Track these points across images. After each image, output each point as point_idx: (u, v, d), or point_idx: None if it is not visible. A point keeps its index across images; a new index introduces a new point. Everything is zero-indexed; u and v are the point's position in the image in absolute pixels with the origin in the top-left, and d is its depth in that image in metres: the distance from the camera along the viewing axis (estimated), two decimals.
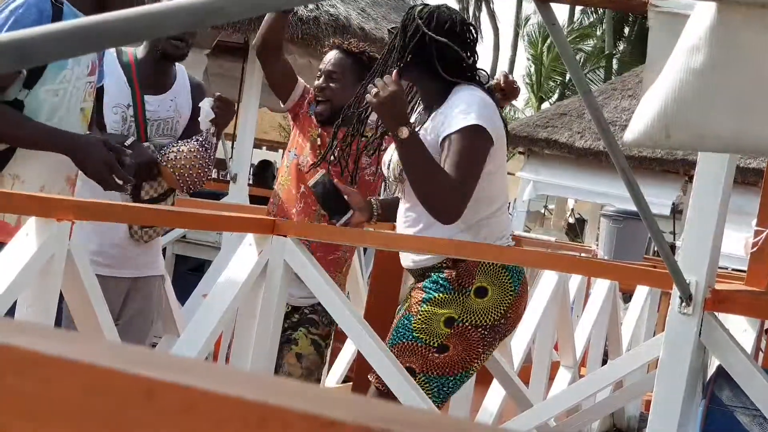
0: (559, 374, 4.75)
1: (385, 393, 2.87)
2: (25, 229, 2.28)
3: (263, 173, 10.18)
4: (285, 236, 3.01)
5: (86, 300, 2.45)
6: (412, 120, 2.90)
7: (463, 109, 2.80)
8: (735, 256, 7.42)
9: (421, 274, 2.95)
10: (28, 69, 2.59)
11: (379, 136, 3.10)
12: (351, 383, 4.42)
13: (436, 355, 2.85)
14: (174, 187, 3.18)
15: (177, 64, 3.30)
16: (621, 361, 3.55)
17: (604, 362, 5.10)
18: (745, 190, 9.38)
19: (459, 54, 2.87)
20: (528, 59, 32.14)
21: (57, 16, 2.60)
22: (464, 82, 2.88)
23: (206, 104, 3.17)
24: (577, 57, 28.01)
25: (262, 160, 11.14)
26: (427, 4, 3.00)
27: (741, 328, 3.11)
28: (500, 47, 30.37)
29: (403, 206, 3.00)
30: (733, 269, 6.98)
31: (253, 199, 7.13)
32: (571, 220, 15.57)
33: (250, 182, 8.92)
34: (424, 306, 2.87)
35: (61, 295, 2.39)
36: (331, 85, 3.44)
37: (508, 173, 3.20)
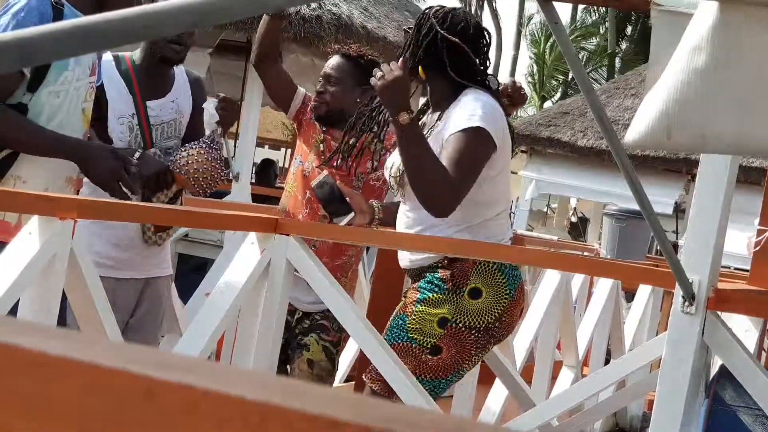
0: (561, 374, 4.75)
1: (380, 393, 2.87)
2: (28, 228, 2.28)
3: (266, 172, 10.19)
4: (287, 235, 3.01)
5: (89, 299, 2.45)
6: (421, 123, 2.92)
7: (469, 111, 2.81)
8: (738, 255, 7.41)
9: (417, 273, 2.96)
10: (31, 72, 2.60)
11: (379, 125, 3.09)
12: (353, 383, 4.42)
13: (429, 357, 2.85)
14: (191, 191, 3.19)
15: None
16: (624, 360, 3.55)
17: (607, 362, 5.10)
18: (747, 189, 9.37)
19: (470, 56, 2.88)
20: (530, 58, 32.14)
21: (58, 17, 2.61)
22: (474, 86, 2.89)
23: (210, 106, 3.17)
24: (580, 56, 28.00)
25: (265, 158, 11.14)
26: (444, 6, 3.01)
27: (743, 327, 3.10)
28: (503, 46, 30.35)
29: (403, 208, 3.01)
30: (735, 268, 6.98)
31: (256, 197, 7.13)
32: (574, 219, 15.55)
33: (253, 181, 8.93)
34: (419, 306, 2.87)
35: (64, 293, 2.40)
36: (329, 88, 3.48)
37: (511, 172, 3.20)
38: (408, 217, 2.96)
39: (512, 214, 11.38)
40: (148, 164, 2.99)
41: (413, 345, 2.86)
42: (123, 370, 0.45)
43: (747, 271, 3.32)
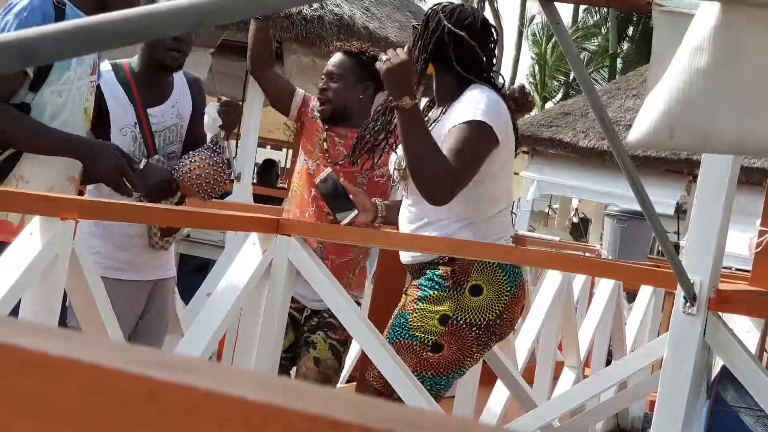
0: (563, 374, 4.75)
1: (383, 392, 2.87)
2: (29, 228, 2.28)
3: (267, 172, 10.19)
4: (289, 235, 3.01)
5: (90, 299, 2.45)
6: (426, 119, 2.92)
7: (473, 105, 2.82)
8: (739, 256, 7.41)
9: (418, 270, 2.96)
10: (34, 71, 2.61)
11: (385, 114, 3.09)
12: (355, 383, 4.42)
13: (431, 354, 2.86)
14: (197, 198, 3.19)
15: None
16: (625, 361, 3.55)
17: (608, 362, 5.10)
18: (749, 190, 9.36)
19: (476, 51, 2.89)
20: (532, 58, 32.14)
21: (60, 17, 2.61)
22: (480, 82, 2.90)
23: (212, 110, 3.17)
24: (581, 56, 27.99)
25: (266, 159, 11.14)
26: (452, 2, 3.02)
27: (745, 328, 3.11)
28: (504, 46, 30.34)
29: (405, 202, 3.01)
30: (737, 269, 6.98)
31: (257, 198, 7.13)
32: (575, 220, 15.55)
33: (254, 181, 8.93)
34: (420, 304, 2.88)
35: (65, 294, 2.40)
36: (332, 85, 3.49)
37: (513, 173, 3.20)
38: (410, 212, 2.97)
39: (514, 215, 11.38)
40: (153, 174, 3.01)
41: (414, 342, 2.86)
42: (124, 370, 0.45)
43: (748, 271, 3.32)
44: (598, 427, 5.12)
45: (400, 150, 2.93)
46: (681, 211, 11.41)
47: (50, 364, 0.46)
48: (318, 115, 3.54)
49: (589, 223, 14.01)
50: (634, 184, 1.99)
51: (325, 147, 3.51)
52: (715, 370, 2.80)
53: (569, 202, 15.12)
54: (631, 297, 6.30)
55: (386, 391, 2.86)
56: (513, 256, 2.95)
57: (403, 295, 3.01)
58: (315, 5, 6.57)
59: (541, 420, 3.38)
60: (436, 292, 2.87)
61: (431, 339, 2.85)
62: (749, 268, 3.27)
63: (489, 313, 2.87)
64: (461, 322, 2.85)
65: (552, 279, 4.29)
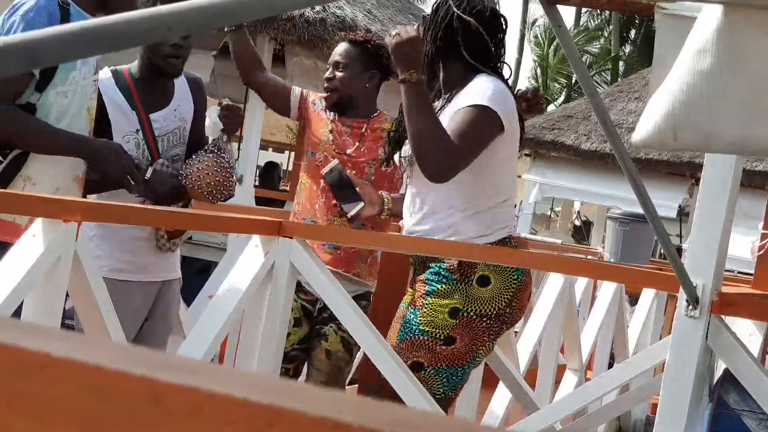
0: (565, 377, 4.74)
1: (383, 390, 2.87)
2: (32, 230, 2.28)
3: (269, 174, 10.19)
4: (291, 238, 3.01)
5: (93, 301, 2.45)
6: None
7: (480, 91, 2.82)
8: (741, 259, 7.40)
9: (422, 262, 2.95)
10: (39, 72, 2.62)
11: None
12: (356, 386, 4.42)
13: (444, 347, 2.86)
14: (205, 201, 3.20)
15: None
16: (627, 364, 3.55)
17: (611, 365, 5.10)
18: (752, 193, 9.36)
19: (484, 39, 2.89)
20: (534, 61, 32.12)
21: (65, 17, 2.62)
22: (488, 71, 2.90)
23: (213, 114, 3.17)
24: (584, 59, 27.99)
25: (268, 161, 11.15)
26: None
27: (747, 331, 3.10)
28: (506, 49, 30.28)
29: (410, 191, 3.01)
30: (739, 272, 6.97)
31: (259, 200, 7.14)
32: (578, 223, 15.55)
33: (257, 184, 8.93)
34: (429, 299, 2.87)
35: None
36: (337, 74, 3.49)
37: None
38: (414, 201, 2.97)
39: (516, 217, 11.37)
40: (161, 182, 3.01)
41: (426, 338, 2.86)
42: (127, 372, 0.45)
43: (751, 275, 3.32)
44: (600, 429, 5.12)
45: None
46: (683, 214, 11.41)
47: (52, 365, 0.46)
48: (321, 103, 3.54)
49: (592, 226, 14.01)
50: (636, 187, 1.99)
51: (331, 138, 3.51)
52: (718, 373, 2.79)
53: (571, 205, 15.12)
54: (634, 300, 6.30)
55: (388, 392, 2.86)
56: (515, 259, 2.95)
57: (408, 289, 3.01)
58: (317, 7, 6.58)
59: (543, 423, 3.38)
60: (443, 286, 2.87)
61: (443, 333, 2.85)
62: (752, 271, 3.27)
63: (498, 303, 2.87)
64: (471, 313, 2.85)
65: (554, 282, 4.29)
